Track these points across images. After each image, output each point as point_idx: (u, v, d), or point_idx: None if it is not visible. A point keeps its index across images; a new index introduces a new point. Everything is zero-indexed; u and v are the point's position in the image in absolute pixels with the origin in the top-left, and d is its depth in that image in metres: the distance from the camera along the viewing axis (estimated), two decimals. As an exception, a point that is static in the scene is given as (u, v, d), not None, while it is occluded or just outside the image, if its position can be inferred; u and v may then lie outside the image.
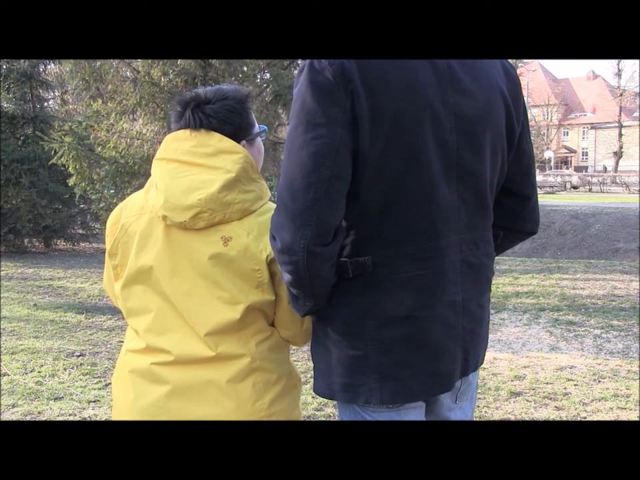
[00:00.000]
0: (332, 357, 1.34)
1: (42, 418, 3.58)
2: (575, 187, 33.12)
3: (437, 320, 1.32)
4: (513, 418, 3.57)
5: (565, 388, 4.08)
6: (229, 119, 1.44)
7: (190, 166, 1.39)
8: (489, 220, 1.44)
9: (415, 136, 1.25)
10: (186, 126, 1.43)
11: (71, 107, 18.44)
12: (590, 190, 31.87)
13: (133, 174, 6.68)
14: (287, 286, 1.32)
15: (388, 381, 1.30)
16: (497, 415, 3.61)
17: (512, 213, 1.52)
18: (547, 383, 4.16)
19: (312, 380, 1.47)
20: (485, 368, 4.51)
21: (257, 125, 1.53)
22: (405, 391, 1.32)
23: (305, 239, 1.20)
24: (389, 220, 1.27)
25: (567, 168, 52.11)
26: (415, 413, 1.37)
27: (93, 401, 3.84)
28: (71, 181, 7.27)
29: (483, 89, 1.35)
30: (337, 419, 3.49)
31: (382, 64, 1.24)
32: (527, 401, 3.85)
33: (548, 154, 50.17)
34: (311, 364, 4.18)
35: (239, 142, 1.44)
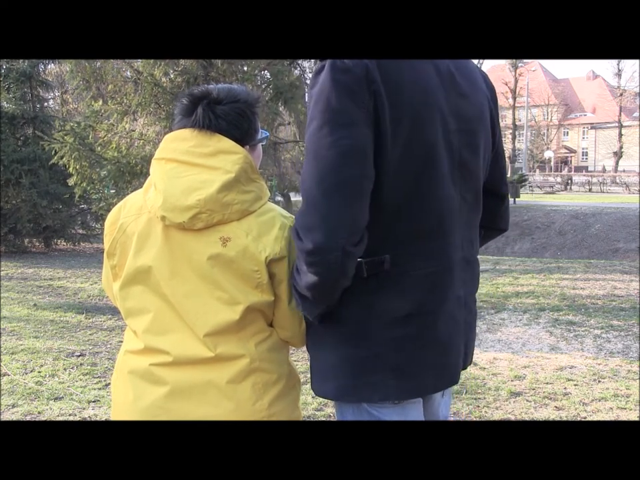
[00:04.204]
0: (342, 357, 1.34)
1: (42, 418, 3.58)
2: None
3: (446, 315, 1.37)
4: (513, 418, 3.57)
5: (565, 388, 4.08)
6: (237, 123, 1.43)
7: (189, 166, 1.39)
8: (479, 218, 1.50)
9: (429, 136, 1.28)
10: (195, 123, 1.41)
11: (71, 106, 18.44)
12: (590, 190, 31.88)
13: (134, 174, 6.68)
14: (302, 289, 1.30)
15: (403, 377, 1.33)
16: (497, 415, 3.61)
17: (490, 211, 1.57)
18: (547, 383, 4.16)
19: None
20: (485, 368, 4.51)
21: (260, 130, 1.53)
22: (419, 386, 1.36)
23: (340, 239, 1.20)
24: (405, 219, 1.30)
25: (568, 168, 52.12)
26: (415, 407, 1.40)
27: (93, 401, 3.84)
28: (71, 181, 7.27)
29: (475, 93, 1.42)
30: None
31: (398, 64, 1.26)
32: (527, 400, 3.84)
33: (548, 154, 50.19)
34: (311, 364, 4.18)
35: (243, 146, 1.43)
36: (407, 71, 1.27)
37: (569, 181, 34.52)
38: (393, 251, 1.30)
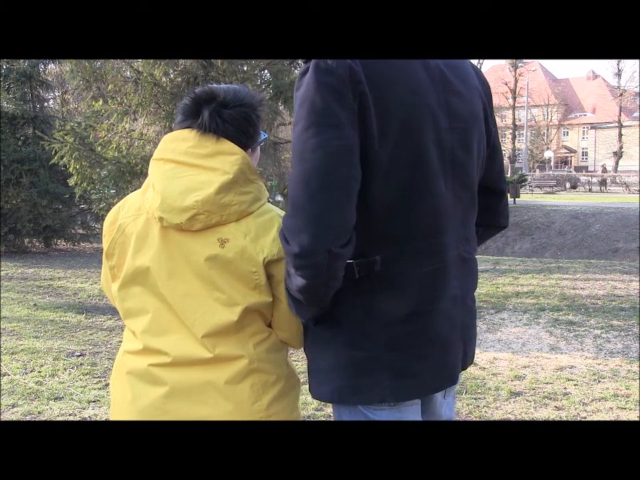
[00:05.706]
0: (337, 360, 1.34)
1: (42, 418, 3.58)
2: (574, 187, 32.94)
3: (442, 314, 1.36)
4: (512, 418, 3.57)
5: (565, 388, 4.08)
6: (244, 128, 1.42)
7: (187, 167, 1.38)
8: (475, 216, 1.49)
9: (419, 135, 1.28)
10: (202, 126, 1.40)
11: (71, 106, 18.43)
12: (590, 190, 31.86)
13: (134, 174, 6.68)
14: (293, 291, 1.30)
15: (400, 378, 1.32)
16: (497, 415, 3.61)
17: (489, 209, 1.56)
18: (547, 383, 4.16)
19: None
20: (484, 368, 4.51)
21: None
22: (419, 386, 1.34)
23: (326, 241, 1.19)
24: (396, 219, 1.29)
25: (568, 168, 52.14)
26: (413, 409, 1.39)
27: (93, 401, 3.84)
28: (71, 181, 7.27)
29: (468, 90, 1.41)
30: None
31: (385, 64, 1.25)
32: (527, 400, 3.84)
33: (548, 154, 50.21)
34: (311, 364, 4.16)
35: (245, 150, 1.43)
36: (394, 71, 1.26)
37: (604, 182, 31.91)
38: (385, 251, 1.29)
